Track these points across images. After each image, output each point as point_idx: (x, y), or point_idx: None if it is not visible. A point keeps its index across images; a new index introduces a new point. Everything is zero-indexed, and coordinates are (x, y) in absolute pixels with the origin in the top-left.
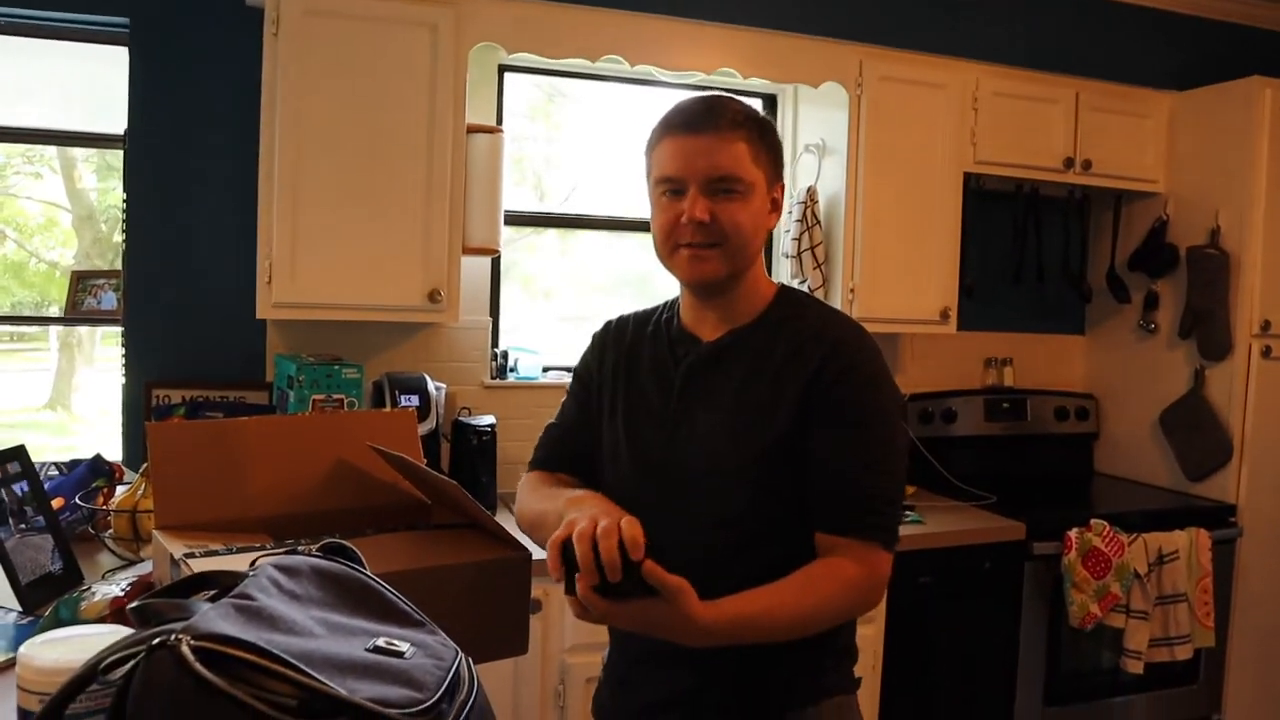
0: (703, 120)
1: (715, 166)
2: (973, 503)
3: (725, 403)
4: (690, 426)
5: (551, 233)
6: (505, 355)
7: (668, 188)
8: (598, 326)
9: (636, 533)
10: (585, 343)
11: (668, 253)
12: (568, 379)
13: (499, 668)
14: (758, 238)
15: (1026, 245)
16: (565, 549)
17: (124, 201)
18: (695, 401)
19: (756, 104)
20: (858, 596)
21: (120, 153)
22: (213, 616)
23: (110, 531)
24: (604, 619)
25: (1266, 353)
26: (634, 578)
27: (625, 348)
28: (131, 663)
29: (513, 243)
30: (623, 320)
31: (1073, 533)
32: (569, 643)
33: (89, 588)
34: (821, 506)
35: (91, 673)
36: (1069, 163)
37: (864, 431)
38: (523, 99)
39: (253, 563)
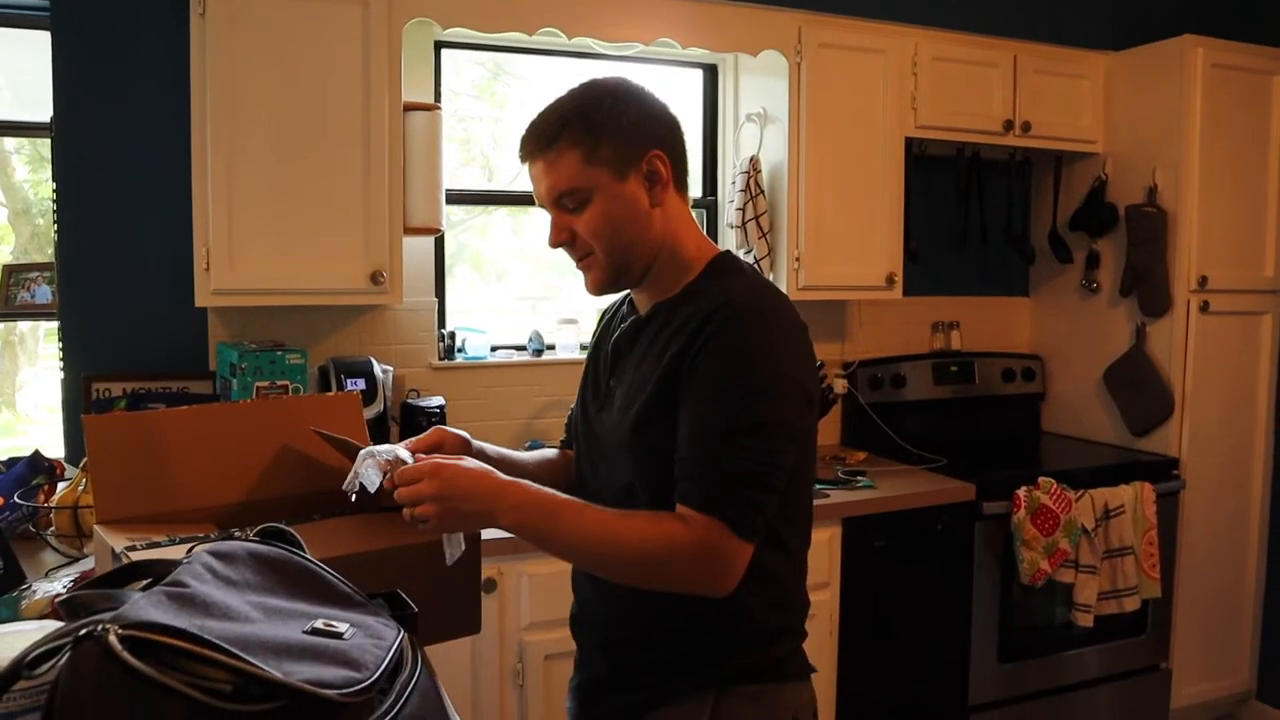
0: (530, 146)
1: (552, 188)
2: (923, 466)
3: (628, 375)
4: (611, 400)
5: (502, 212)
6: (453, 336)
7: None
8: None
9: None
10: (539, 322)
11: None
12: (517, 357)
13: (456, 648)
14: (633, 225)
15: (970, 209)
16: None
17: (54, 191)
18: (619, 376)
19: (696, 74)
20: (682, 560)
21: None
22: (142, 605)
23: (52, 529)
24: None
25: (1205, 308)
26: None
27: (604, 324)
28: (59, 656)
29: (462, 223)
30: (621, 297)
31: (1021, 491)
32: (526, 621)
33: (30, 586)
34: (678, 475)
35: (16, 669)
36: (1009, 125)
37: (720, 402)
38: (467, 77)
39: (189, 550)
